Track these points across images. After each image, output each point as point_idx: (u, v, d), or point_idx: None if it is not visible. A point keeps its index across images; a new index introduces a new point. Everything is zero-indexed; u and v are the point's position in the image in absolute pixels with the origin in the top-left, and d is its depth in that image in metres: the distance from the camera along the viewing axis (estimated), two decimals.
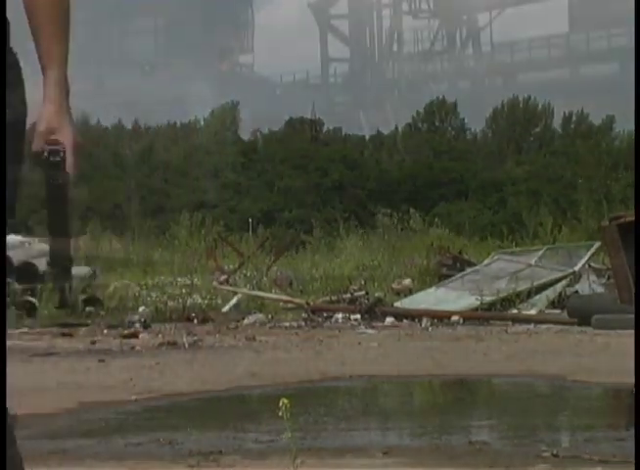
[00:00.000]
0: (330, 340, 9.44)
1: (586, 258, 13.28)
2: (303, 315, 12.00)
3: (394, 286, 14.24)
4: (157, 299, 13.37)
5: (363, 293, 13.40)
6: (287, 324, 11.36)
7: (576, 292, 12.72)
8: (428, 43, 75.14)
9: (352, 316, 11.87)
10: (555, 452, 4.10)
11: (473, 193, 37.51)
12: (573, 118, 43.96)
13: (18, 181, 1.91)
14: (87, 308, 12.46)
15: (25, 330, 10.73)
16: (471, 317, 11.49)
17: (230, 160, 39.40)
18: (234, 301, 13.11)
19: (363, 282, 14.75)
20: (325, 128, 45.29)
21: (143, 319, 11.23)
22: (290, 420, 3.02)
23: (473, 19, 75.88)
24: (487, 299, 12.04)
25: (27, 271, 12.98)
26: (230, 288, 14.07)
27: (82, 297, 12.69)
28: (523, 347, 8.63)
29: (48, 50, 2.00)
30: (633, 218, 9.56)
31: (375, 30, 77.17)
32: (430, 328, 10.79)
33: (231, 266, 16.19)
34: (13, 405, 1.84)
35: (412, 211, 22.10)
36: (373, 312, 11.82)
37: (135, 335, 10.03)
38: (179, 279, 14.89)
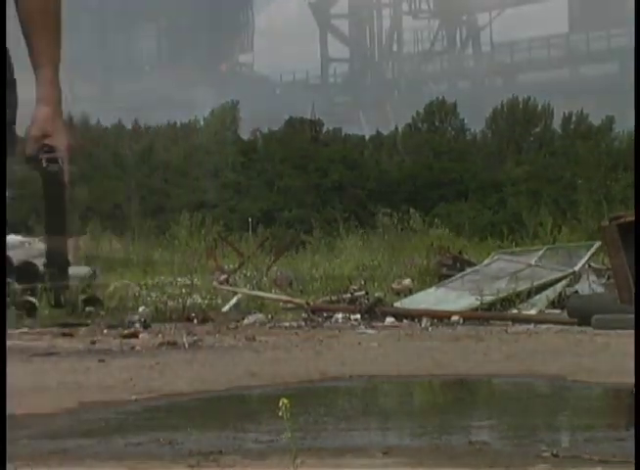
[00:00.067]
0: (330, 340, 9.43)
1: (586, 258, 13.27)
2: (303, 315, 11.98)
3: (394, 286, 14.23)
4: (157, 299, 13.36)
5: (363, 293, 13.39)
6: (287, 324, 11.35)
7: (576, 292, 12.71)
8: (428, 43, 75.16)
9: (352, 316, 11.85)
10: (555, 452, 4.10)
11: (473, 193, 37.54)
12: (573, 119, 43.98)
13: None
14: (87, 308, 12.46)
15: (25, 330, 10.72)
16: (471, 317, 11.48)
17: (230, 159, 39.42)
18: (234, 301, 13.11)
19: (363, 282, 14.74)
20: (325, 128, 45.32)
21: (143, 319, 11.22)
22: (290, 420, 3.02)
23: (473, 19, 75.88)
24: (487, 299, 12.03)
25: (27, 271, 12.97)
26: (230, 288, 14.07)
27: (82, 297, 12.69)
28: (523, 347, 8.63)
29: (42, 50, 2.01)
30: (633, 218, 9.54)
31: (375, 30, 77.18)
32: (430, 328, 10.78)
33: (231, 266, 16.18)
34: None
35: (412, 211, 22.06)
36: (373, 312, 11.80)
37: (135, 335, 10.02)
38: (179, 279, 14.87)
